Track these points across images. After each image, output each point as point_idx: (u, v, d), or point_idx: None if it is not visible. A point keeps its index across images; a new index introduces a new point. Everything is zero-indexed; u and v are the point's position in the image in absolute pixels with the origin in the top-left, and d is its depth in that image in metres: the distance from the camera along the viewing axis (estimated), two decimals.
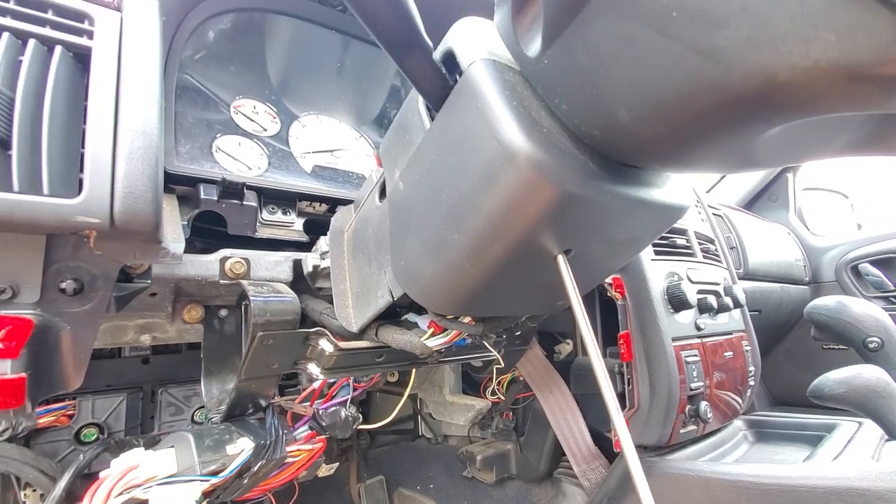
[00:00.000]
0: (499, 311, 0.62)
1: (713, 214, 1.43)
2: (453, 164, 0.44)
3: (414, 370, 1.13)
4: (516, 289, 0.55)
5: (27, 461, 0.66)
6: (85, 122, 0.46)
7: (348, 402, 0.89)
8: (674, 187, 0.49)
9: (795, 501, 0.79)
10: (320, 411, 0.85)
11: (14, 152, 0.43)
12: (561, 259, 0.47)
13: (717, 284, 1.18)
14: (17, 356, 0.44)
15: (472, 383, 1.30)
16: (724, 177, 2.12)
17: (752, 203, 2.13)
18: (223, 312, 0.79)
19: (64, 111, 0.46)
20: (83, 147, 0.46)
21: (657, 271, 1.04)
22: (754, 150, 0.37)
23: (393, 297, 0.60)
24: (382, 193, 0.62)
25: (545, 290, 0.59)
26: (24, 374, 0.45)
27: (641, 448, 1.01)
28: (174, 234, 0.58)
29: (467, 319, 0.62)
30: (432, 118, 0.50)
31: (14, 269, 0.46)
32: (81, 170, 0.46)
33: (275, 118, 0.85)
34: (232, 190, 0.70)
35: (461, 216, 0.44)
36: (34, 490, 0.75)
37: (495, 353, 0.85)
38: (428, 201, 0.48)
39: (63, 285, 0.49)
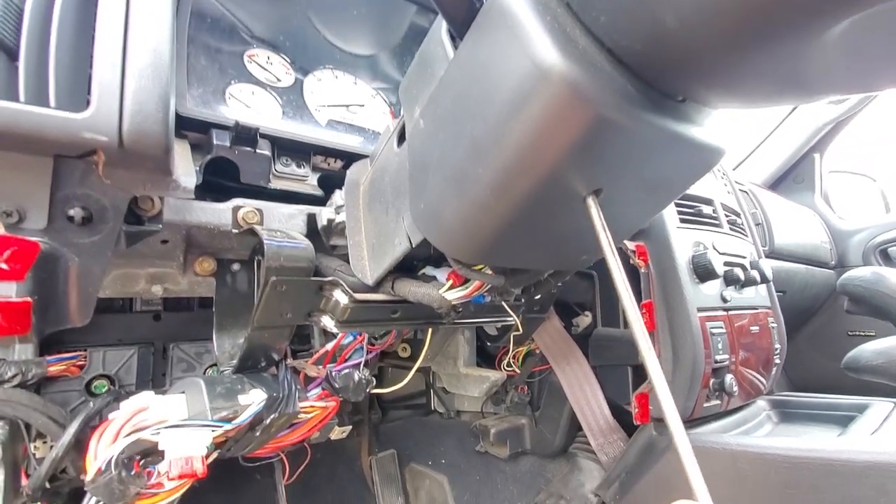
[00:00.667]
0: (521, 261, 0.59)
1: (739, 190, 1.38)
2: (479, 91, 0.41)
3: (428, 340, 1.11)
4: (541, 236, 0.52)
5: (36, 407, 0.65)
6: (94, 40, 0.44)
7: (361, 364, 0.87)
8: (713, 128, 0.45)
9: (829, 476, 0.75)
10: (333, 373, 0.83)
11: (21, 62, 0.41)
12: (591, 200, 0.44)
13: (744, 258, 1.13)
14: (23, 279, 0.43)
15: (486, 357, 1.28)
16: (749, 155, 2.05)
17: (778, 184, 2.07)
18: (235, 266, 0.77)
19: (73, 25, 0.44)
20: (91, 67, 0.44)
21: (683, 239, 1.00)
22: (812, 64, 0.33)
23: (411, 244, 0.57)
24: (401, 139, 0.59)
25: (570, 239, 0.55)
26: (29, 299, 0.43)
27: (662, 421, 0.97)
28: (185, 169, 0.56)
29: (489, 271, 0.60)
30: (456, 47, 0.47)
31: (21, 192, 0.44)
32: (90, 90, 0.44)
33: (289, 70, 0.83)
34: (245, 136, 0.68)
35: (487, 148, 0.41)
36: (45, 442, 0.74)
37: (514, 316, 0.82)
38: (451, 136, 0.45)
39: (71, 213, 0.47)
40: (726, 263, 1.05)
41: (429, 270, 0.69)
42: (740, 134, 2.09)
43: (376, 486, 1.36)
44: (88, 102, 0.43)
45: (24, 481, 0.73)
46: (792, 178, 2.05)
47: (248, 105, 0.74)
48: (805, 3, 0.28)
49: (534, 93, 0.36)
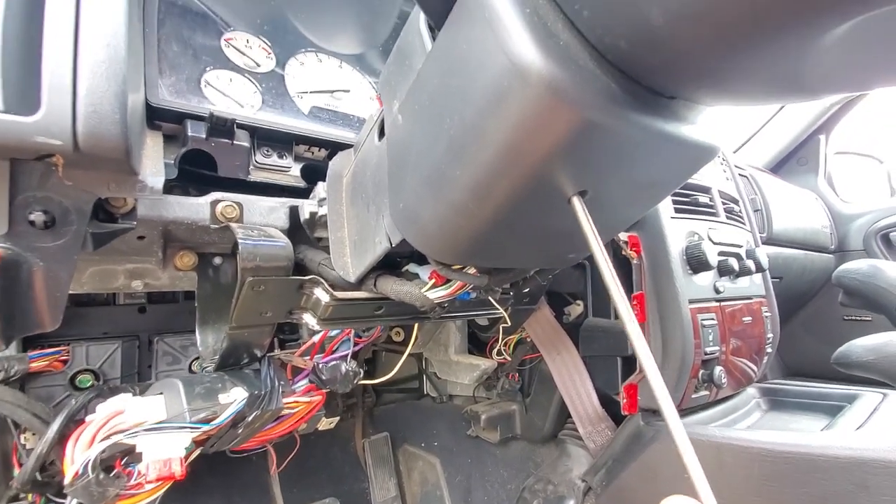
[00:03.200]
0: (505, 261, 0.58)
1: (739, 175, 1.35)
2: (456, 87, 0.39)
3: (417, 328, 1.10)
4: (524, 236, 0.50)
5: (20, 404, 0.65)
6: (42, 36, 0.41)
7: (349, 356, 0.87)
8: (705, 125, 0.43)
9: (812, 470, 0.75)
10: (320, 365, 0.83)
11: None
12: (576, 201, 0.42)
13: (740, 247, 1.12)
14: None
15: (478, 344, 1.28)
16: (751, 137, 2.00)
17: (780, 166, 2.02)
18: (217, 260, 0.76)
19: (19, 21, 0.41)
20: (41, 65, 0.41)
21: (677, 230, 0.98)
22: (809, 65, 0.31)
23: (391, 244, 0.55)
24: (382, 132, 0.57)
25: (556, 239, 0.54)
26: None
27: (650, 412, 0.98)
28: (154, 167, 0.54)
29: (472, 270, 0.58)
30: (434, 39, 0.44)
31: None
32: (40, 91, 0.41)
33: (270, 54, 0.79)
34: (221, 127, 0.65)
35: (465, 148, 0.39)
36: (34, 434, 0.75)
37: (501, 310, 0.81)
38: (428, 134, 0.43)
39: (32, 217, 0.45)
40: (721, 254, 1.04)
41: (412, 267, 0.67)
42: (743, 114, 2.03)
43: (370, 468, 1.39)
44: (39, 103, 0.41)
45: (16, 470, 0.74)
46: (796, 159, 2.00)
47: (225, 93, 0.71)
48: (806, 6, 0.26)
49: (511, 92, 0.34)
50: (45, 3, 0.41)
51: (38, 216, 0.45)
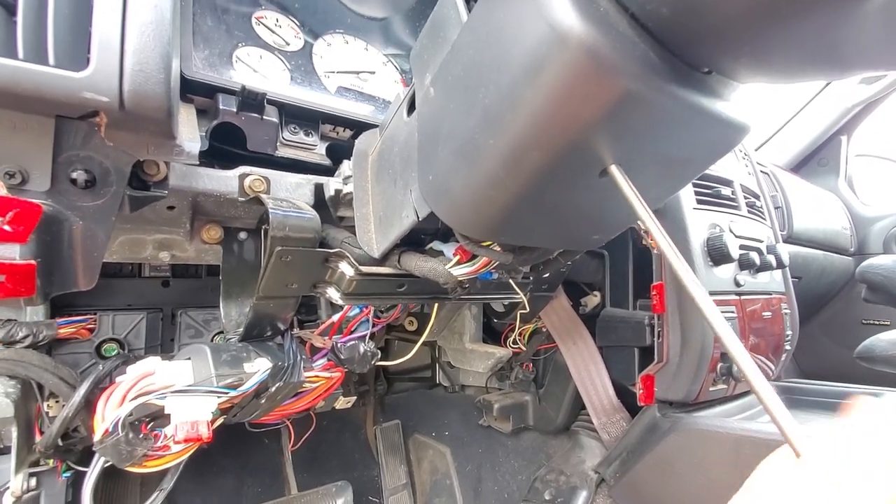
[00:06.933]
0: (531, 239, 0.58)
1: (760, 171, 1.34)
2: (493, 56, 0.39)
3: (434, 314, 1.10)
4: (552, 213, 0.50)
5: (47, 368, 0.66)
6: None
7: (367, 337, 0.87)
8: (739, 103, 0.43)
9: None
10: (339, 344, 0.84)
11: (20, 17, 0.39)
12: (615, 169, 0.42)
13: (761, 242, 1.10)
14: (25, 241, 0.42)
15: (492, 334, 1.28)
16: (772, 136, 1.98)
17: (801, 167, 2.00)
18: (242, 235, 0.77)
19: None
20: (91, 23, 0.42)
21: (698, 221, 0.97)
22: (849, 35, 0.31)
23: (418, 217, 0.56)
24: (411, 108, 0.57)
25: (583, 219, 0.54)
26: (33, 262, 0.43)
27: (667, 403, 0.97)
28: (190, 134, 0.54)
29: (497, 248, 0.58)
30: (470, 10, 0.44)
31: (23, 152, 0.44)
32: (90, 47, 0.42)
33: (298, 33, 0.80)
34: (252, 101, 0.66)
35: (499, 116, 0.39)
36: (57, 401, 0.76)
37: (521, 294, 0.81)
38: (462, 105, 0.43)
39: (74, 175, 0.46)
40: (742, 247, 1.03)
41: (436, 245, 0.68)
42: (765, 113, 2.01)
43: (380, 455, 1.40)
44: (88, 61, 0.41)
45: (37, 438, 0.76)
46: (816, 160, 1.98)
47: (255, 69, 0.72)
48: None
49: (550, 58, 0.34)
50: None
51: (79, 175, 0.46)
